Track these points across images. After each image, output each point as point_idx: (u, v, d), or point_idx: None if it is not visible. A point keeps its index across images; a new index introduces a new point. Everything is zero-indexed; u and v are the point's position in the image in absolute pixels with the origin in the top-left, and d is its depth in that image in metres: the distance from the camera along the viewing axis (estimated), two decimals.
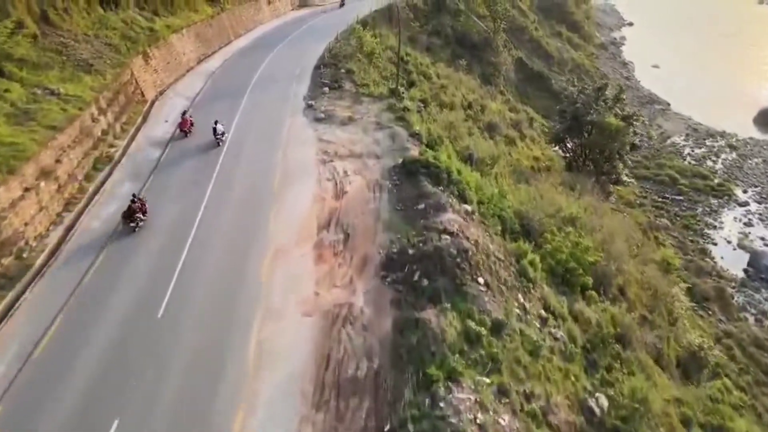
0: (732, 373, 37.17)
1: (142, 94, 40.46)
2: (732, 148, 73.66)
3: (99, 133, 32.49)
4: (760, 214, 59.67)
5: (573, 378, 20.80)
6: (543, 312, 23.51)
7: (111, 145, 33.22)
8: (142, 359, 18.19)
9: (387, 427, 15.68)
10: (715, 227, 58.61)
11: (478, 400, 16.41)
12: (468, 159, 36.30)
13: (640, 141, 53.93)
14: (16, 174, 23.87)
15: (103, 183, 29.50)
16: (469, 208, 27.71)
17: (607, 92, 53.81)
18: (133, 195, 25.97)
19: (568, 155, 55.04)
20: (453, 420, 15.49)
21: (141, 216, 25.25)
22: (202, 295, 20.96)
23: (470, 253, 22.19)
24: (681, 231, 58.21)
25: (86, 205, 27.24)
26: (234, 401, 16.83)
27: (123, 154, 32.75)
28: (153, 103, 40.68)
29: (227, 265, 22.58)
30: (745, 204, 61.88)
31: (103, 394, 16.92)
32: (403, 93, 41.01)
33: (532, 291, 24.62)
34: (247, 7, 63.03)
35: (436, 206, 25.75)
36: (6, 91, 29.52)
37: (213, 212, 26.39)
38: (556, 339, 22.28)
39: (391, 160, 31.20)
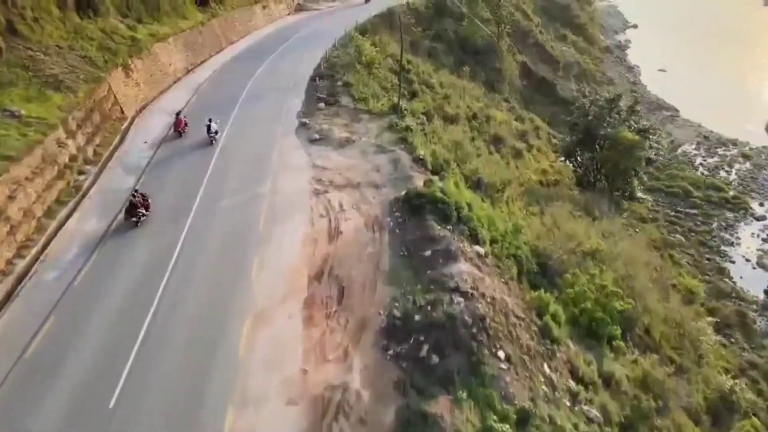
0: (761, 412, 33.46)
1: (122, 111, 36.45)
2: (745, 157, 69.59)
3: (66, 160, 28.49)
4: None
5: None
6: (572, 383, 19.62)
7: (80, 172, 29.22)
8: None
9: None
10: (732, 244, 54.62)
11: None
12: (477, 184, 32.39)
13: (655, 155, 49.87)
14: None
15: (66, 220, 25.53)
16: (481, 250, 23.79)
17: (620, 103, 49.88)
18: (135, 190, 25.53)
19: (579, 169, 51.00)
20: None
21: (143, 211, 24.69)
22: (166, 382, 16.94)
23: (487, 320, 18.26)
24: (696, 248, 54.23)
25: (42, 250, 23.28)
26: None
27: (93, 183, 28.78)
28: (133, 120, 36.68)
29: (200, 335, 18.55)
30: (762, 218, 57.88)
31: None
32: (405, 109, 36.99)
33: (558, 354, 20.74)
34: (240, 12, 58.92)
35: (445, 253, 21.81)
36: None
37: (187, 263, 22.36)
38: (590, 420, 18.40)
39: (392, 190, 27.24)
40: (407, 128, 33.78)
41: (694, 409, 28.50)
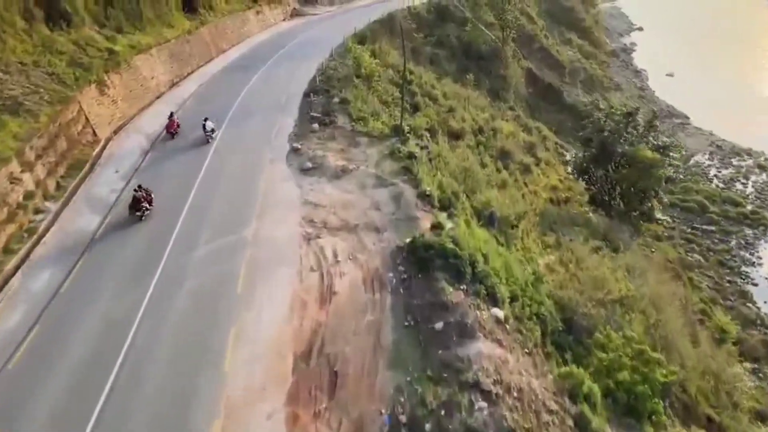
0: None
1: (94, 134, 32.22)
2: (762, 168, 65.42)
3: (20, 198, 24.32)
4: None
5: None
6: None
7: (38, 211, 25.04)
8: None
9: None
10: (753, 264, 50.65)
11: None
12: (489, 220, 28.21)
13: (674, 172, 45.67)
14: None
15: (13, 274, 21.37)
16: (500, 314, 19.63)
17: (638, 118, 45.67)
18: (139, 186, 25.27)
19: (592, 187, 46.74)
20: None
21: (147, 206, 24.60)
22: None
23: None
24: (716, 269, 50.18)
25: None
26: None
27: (51, 224, 24.59)
28: (107, 143, 32.46)
29: None
30: None
31: None
32: (407, 132, 32.72)
33: None
34: (232, 18, 54.51)
35: (459, 327, 17.65)
36: None
37: (149, 335, 18.22)
38: None
39: (395, 234, 23.06)
40: (410, 155, 29.54)
41: None
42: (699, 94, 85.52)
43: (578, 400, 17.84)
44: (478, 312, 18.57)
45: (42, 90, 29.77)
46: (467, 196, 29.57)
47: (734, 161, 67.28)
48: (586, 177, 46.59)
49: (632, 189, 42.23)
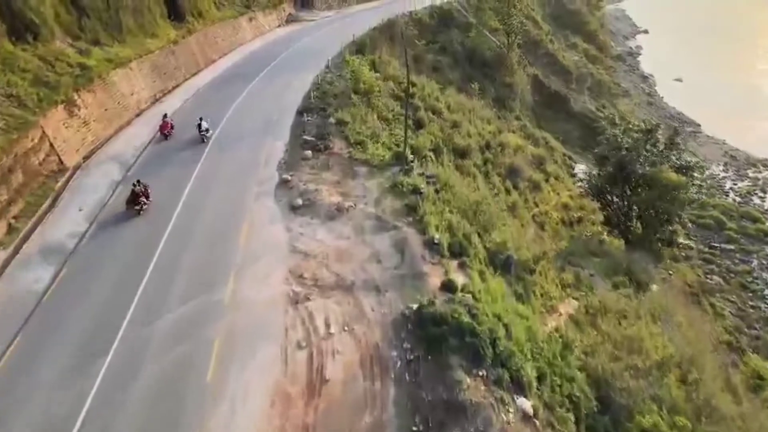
0: None
1: (60, 162, 28.18)
2: None
3: None
4: None
5: None
6: None
7: None
8: None
9: None
10: None
11: None
12: (505, 265, 24.23)
13: (697, 192, 41.59)
14: None
15: None
16: (528, 405, 15.73)
17: (658, 134, 41.64)
18: (137, 180, 25.01)
19: (608, 208, 42.71)
20: None
21: (144, 200, 24.37)
22: None
23: None
24: (738, 293, 46.19)
25: None
26: None
27: None
28: (74, 173, 28.44)
29: None
30: None
31: None
32: (411, 160, 28.67)
33: None
34: (222, 26, 50.32)
35: None
36: None
37: None
38: None
39: (398, 296, 19.10)
40: (415, 189, 25.51)
41: None
42: (708, 100, 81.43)
43: None
44: (502, 412, 14.59)
45: None
46: (479, 235, 25.54)
47: (750, 173, 63.24)
48: (601, 197, 42.50)
49: (654, 213, 38.17)
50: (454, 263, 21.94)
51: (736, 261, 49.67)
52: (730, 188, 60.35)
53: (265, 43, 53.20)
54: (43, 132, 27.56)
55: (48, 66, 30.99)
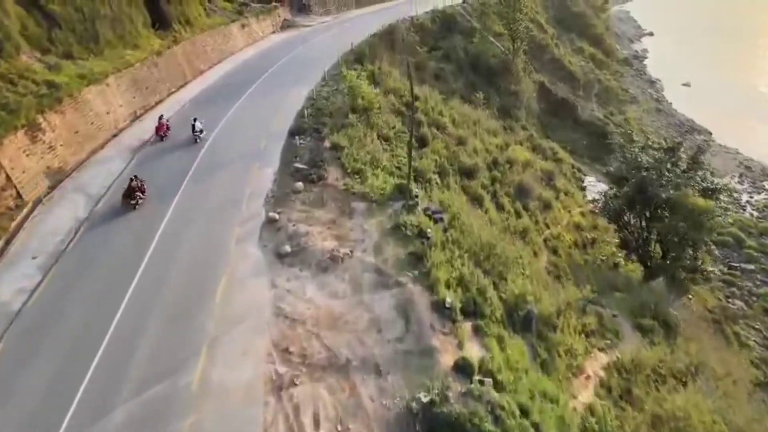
0: None
1: (18, 195, 24.47)
2: None
3: None
4: None
5: None
6: None
7: None
8: None
9: None
10: None
11: None
12: (525, 322, 20.54)
13: (722, 215, 37.70)
14: None
15: None
16: None
17: (680, 152, 37.90)
18: (135, 175, 24.85)
19: (625, 231, 38.96)
20: None
21: (140, 195, 24.29)
22: None
23: None
24: (762, 318, 42.61)
25: None
26: None
27: None
28: (35, 208, 24.70)
29: None
30: None
31: None
32: (416, 195, 24.87)
33: None
34: (212, 34, 46.40)
35: None
36: None
37: None
38: None
39: (402, 380, 15.43)
40: (421, 233, 21.78)
41: None
42: (718, 105, 77.60)
43: None
44: None
45: None
46: (495, 284, 21.81)
47: (767, 185, 59.48)
48: (618, 219, 38.74)
49: (679, 241, 34.44)
50: (467, 326, 18.28)
51: (758, 282, 46.14)
52: (747, 202, 56.71)
53: (258, 51, 49.30)
54: None
55: (10, 85, 27.16)
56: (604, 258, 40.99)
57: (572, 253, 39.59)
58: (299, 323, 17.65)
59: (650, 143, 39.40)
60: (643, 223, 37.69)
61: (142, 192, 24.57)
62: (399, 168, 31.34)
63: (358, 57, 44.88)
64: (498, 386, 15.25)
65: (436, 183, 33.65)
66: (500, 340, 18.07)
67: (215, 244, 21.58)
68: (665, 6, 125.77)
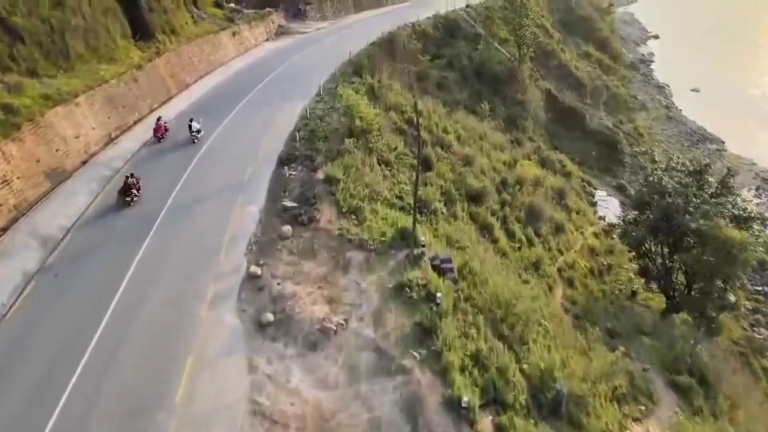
0: None
1: None
2: None
3: None
4: None
5: None
6: None
7: None
8: None
9: None
10: None
11: None
12: (554, 406, 16.78)
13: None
14: None
15: None
16: None
17: (708, 176, 34.15)
18: (131, 173, 24.52)
19: (646, 258, 35.22)
20: None
21: (135, 192, 23.97)
22: None
23: None
24: None
25: None
26: None
27: None
28: None
29: None
30: None
31: None
32: (423, 244, 21.02)
33: None
34: (201, 43, 42.42)
35: None
36: None
37: None
38: None
39: None
40: (429, 295, 17.99)
41: None
42: (729, 112, 73.85)
43: None
44: None
45: None
46: (515, 351, 18.04)
47: None
48: (640, 247, 34.99)
49: (710, 276, 30.67)
50: (487, 422, 14.49)
51: None
52: None
53: (250, 61, 45.32)
54: None
55: None
56: (622, 288, 37.24)
57: (588, 284, 35.89)
58: (280, 426, 13.87)
59: (674, 164, 35.49)
60: (665, 250, 34.02)
61: (138, 189, 24.15)
62: (401, 198, 27.64)
63: (356, 69, 41.04)
64: None
65: (442, 213, 29.95)
66: None
67: (184, 310, 17.75)
68: (669, 7, 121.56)
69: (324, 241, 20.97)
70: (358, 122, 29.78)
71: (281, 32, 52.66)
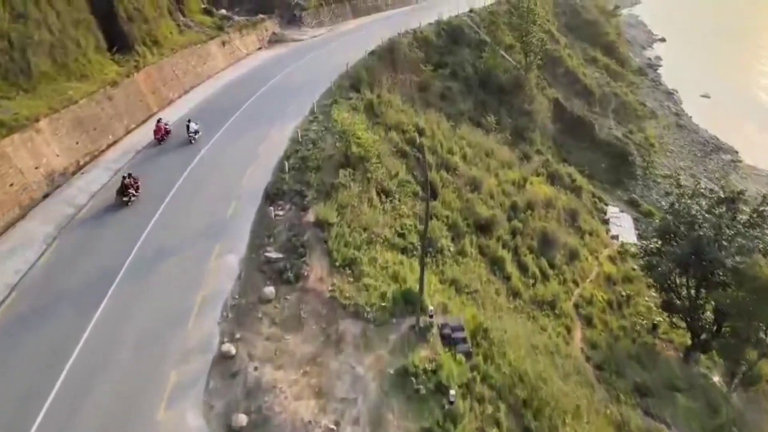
0: None
1: None
2: None
3: None
4: None
5: None
6: None
7: None
8: None
9: None
10: None
11: None
12: None
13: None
14: None
15: None
16: None
17: (741, 204, 30.42)
18: (129, 173, 23.94)
19: (670, 292, 31.54)
20: None
21: (133, 192, 23.38)
22: None
23: None
24: None
25: None
26: None
27: None
28: None
29: None
30: None
31: None
32: (431, 314, 17.21)
33: None
34: (186, 54, 38.50)
35: None
36: None
37: None
38: None
39: None
40: (438, 386, 14.29)
41: None
42: (741, 119, 69.98)
43: None
44: None
45: None
46: None
47: None
48: (664, 282, 31.28)
49: (747, 318, 26.97)
50: None
51: None
52: None
53: (240, 73, 41.37)
54: None
55: None
56: (643, 322, 33.57)
57: (607, 320, 32.21)
58: None
59: (701, 189, 31.78)
60: (692, 282, 30.38)
61: (136, 189, 23.50)
62: (403, 236, 23.95)
63: (353, 82, 37.21)
64: None
65: (449, 250, 26.28)
66: None
67: (135, 410, 14.01)
68: (674, 8, 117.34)
69: (313, 306, 17.24)
70: (354, 149, 25.98)
71: (275, 40, 48.73)
